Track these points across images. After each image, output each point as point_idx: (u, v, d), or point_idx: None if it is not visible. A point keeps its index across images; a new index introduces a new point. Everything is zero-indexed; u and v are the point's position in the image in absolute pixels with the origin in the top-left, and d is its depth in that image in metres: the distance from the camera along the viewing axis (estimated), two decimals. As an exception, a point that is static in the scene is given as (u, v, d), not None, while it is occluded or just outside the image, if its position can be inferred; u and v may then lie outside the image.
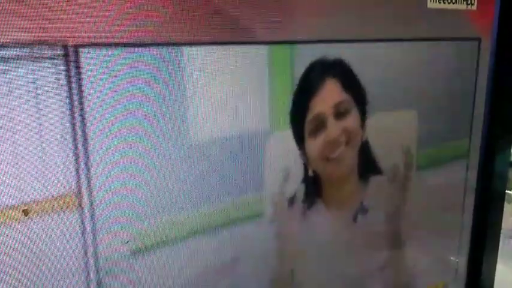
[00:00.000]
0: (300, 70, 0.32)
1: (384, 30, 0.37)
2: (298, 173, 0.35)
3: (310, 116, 0.34)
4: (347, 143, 0.37)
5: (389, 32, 0.37)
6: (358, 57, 0.36)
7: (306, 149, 0.34)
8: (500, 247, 0.71)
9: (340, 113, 0.36)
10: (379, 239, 0.42)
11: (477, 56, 0.45)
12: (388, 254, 0.43)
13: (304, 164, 0.35)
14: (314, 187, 0.36)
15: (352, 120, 0.37)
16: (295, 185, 0.34)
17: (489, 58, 0.46)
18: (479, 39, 0.44)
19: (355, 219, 0.39)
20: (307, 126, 0.34)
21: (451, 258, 0.51)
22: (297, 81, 0.32)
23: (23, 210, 0.23)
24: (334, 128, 0.35)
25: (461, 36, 0.43)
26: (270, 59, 0.31)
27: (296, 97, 0.33)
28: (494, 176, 0.50)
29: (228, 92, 0.29)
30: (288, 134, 0.33)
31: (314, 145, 0.35)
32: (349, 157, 0.37)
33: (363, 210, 0.40)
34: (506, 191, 0.90)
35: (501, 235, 0.71)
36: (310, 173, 0.35)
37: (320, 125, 0.35)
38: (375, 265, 0.43)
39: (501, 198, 0.53)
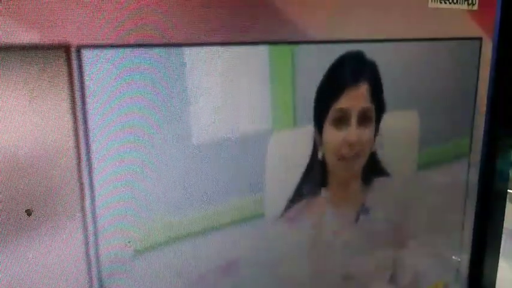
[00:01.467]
0: (300, 70, 0.32)
1: (385, 30, 0.37)
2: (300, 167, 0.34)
3: (338, 105, 0.34)
4: (360, 153, 0.37)
5: (391, 32, 0.37)
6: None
7: (323, 134, 0.34)
8: (502, 246, 0.71)
9: (363, 119, 0.36)
10: (380, 239, 0.42)
11: (478, 55, 0.45)
12: (389, 254, 0.44)
13: (313, 148, 0.34)
14: (320, 177, 0.36)
15: (370, 130, 0.37)
16: (300, 174, 0.34)
17: (490, 57, 0.46)
18: (480, 39, 0.44)
19: (357, 219, 0.40)
20: (333, 113, 0.34)
21: (453, 257, 0.51)
22: (297, 81, 0.32)
23: (26, 210, 0.23)
24: (355, 132, 0.35)
25: (463, 36, 0.43)
26: (271, 58, 0.31)
27: (329, 78, 0.33)
28: (496, 175, 0.50)
29: (230, 92, 0.30)
30: (289, 133, 0.33)
31: (333, 135, 0.35)
32: (358, 164, 0.38)
33: (365, 210, 0.40)
34: (509, 190, 0.90)
35: (504, 234, 0.71)
36: (320, 156, 0.35)
37: (344, 119, 0.35)
38: (376, 264, 0.43)
39: (503, 197, 0.52)
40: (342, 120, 0.35)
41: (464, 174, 0.48)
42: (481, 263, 0.53)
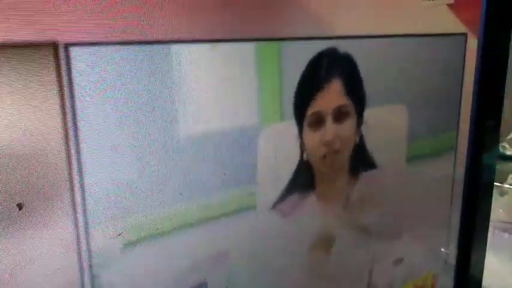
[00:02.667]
0: (288, 66, 0.33)
1: (372, 27, 0.38)
2: (291, 162, 0.35)
3: (310, 111, 0.35)
4: (340, 148, 0.38)
5: (378, 28, 0.38)
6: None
7: (303, 138, 0.35)
8: (491, 239, 0.72)
9: (339, 116, 0.37)
10: (367, 232, 0.43)
11: (463, 50, 0.46)
12: (377, 247, 0.44)
13: (300, 149, 0.35)
14: (308, 176, 0.36)
15: (349, 124, 0.37)
16: (290, 173, 0.35)
17: (476, 52, 0.47)
18: (465, 34, 0.45)
19: (342, 214, 0.40)
20: (308, 118, 0.35)
21: (441, 249, 0.52)
22: (284, 77, 0.33)
23: (17, 204, 0.24)
24: (331, 131, 0.36)
25: (448, 31, 0.44)
26: (258, 55, 0.31)
27: (301, 85, 0.34)
28: (483, 168, 0.51)
29: (218, 88, 0.30)
30: (277, 126, 0.34)
31: (311, 137, 0.36)
32: (342, 158, 0.38)
33: (350, 203, 0.41)
34: (500, 184, 0.91)
35: (492, 227, 0.73)
36: (305, 156, 0.35)
37: (319, 121, 0.36)
38: (366, 258, 0.44)
39: (489, 189, 0.53)
40: (317, 122, 0.36)
41: (451, 167, 0.49)
42: (468, 254, 0.54)
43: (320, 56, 0.34)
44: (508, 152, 1.07)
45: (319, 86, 0.35)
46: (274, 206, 0.35)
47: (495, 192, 0.86)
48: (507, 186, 0.87)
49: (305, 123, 0.35)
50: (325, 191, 0.38)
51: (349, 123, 0.38)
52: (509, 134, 1.06)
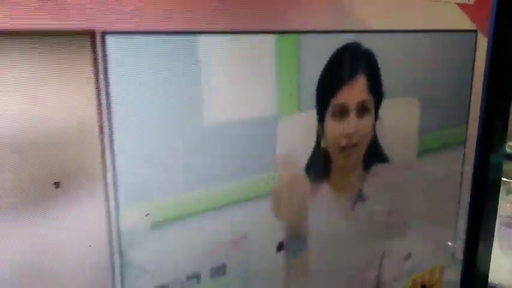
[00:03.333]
0: (306, 59, 0.34)
1: (384, 22, 0.39)
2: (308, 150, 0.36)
3: (335, 101, 0.36)
4: (359, 142, 0.39)
5: (389, 24, 0.39)
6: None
7: (324, 126, 0.37)
8: (499, 234, 0.73)
9: (361, 111, 0.38)
10: (377, 225, 0.44)
11: (474, 47, 0.47)
12: (386, 241, 0.46)
13: (317, 137, 0.36)
14: (323, 166, 0.38)
15: (368, 120, 0.39)
16: (305, 160, 0.36)
17: (486, 49, 0.48)
18: (475, 31, 0.46)
19: (353, 206, 0.42)
20: (332, 108, 0.36)
21: (448, 243, 0.53)
22: (302, 69, 0.34)
23: (54, 183, 0.25)
24: (353, 124, 0.38)
25: (459, 28, 0.45)
26: (278, 47, 0.33)
27: (325, 74, 0.35)
28: (490, 163, 0.52)
29: (241, 79, 0.32)
30: (295, 118, 0.35)
31: (333, 127, 0.37)
32: (359, 151, 0.40)
33: (362, 198, 0.42)
34: (503, 179, 0.92)
35: (499, 223, 0.74)
36: (323, 144, 0.37)
37: (343, 113, 0.37)
38: (374, 250, 0.45)
39: (497, 186, 0.54)
40: (341, 114, 0.37)
41: (460, 162, 0.50)
42: (475, 249, 0.55)
43: (344, 48, 0.36)
44: (514, 152, 1.07)
45: (345, 79, 0.36)
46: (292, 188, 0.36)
47: (502, 190, 0.87)
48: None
49: (328, 113, 0.36)
50: (338, 182, 0.39)
51: (368, 119, 0.39)
52: (515, 133, 1.07)
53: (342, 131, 0.38)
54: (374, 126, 0.40)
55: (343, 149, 0.38)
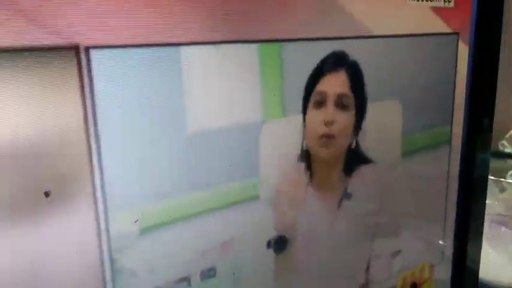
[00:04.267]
0: (287, 66, 0.35)
1: (364, 28, 0.40)
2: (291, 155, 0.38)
3: (315, 90, 0.38)
4: (338, 135, 0.40)
5: (370, 29, 0.40)
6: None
7: (306, 117, 0.38)
8: (488, 233, 0.74)
9: (340, 104, 0.39)
10: (364, 224, 0.45)
11: (456, 49, 0.48)
12: (374, 238, 0.46)
13: (302, 139, 0.38)
14: (306, 167, 0.39)
15: (348, 117, 0.40)
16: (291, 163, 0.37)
17: (468, 51, 0.49)
18: (457, 34, 0.48)
19: (339, 205, 0.43)
20: (313, 97, 0.38)
21: (438, 241, 0.54)
22: (286, 75, 0.36)
23: (44, 193, 0.26)
24: (331, 111, 0.39)
25: (440, 31, 0.46)
26: (260, 55, 0.34)
27: (311, 77, 0.37)
28: (477, 162, 0.53)
29: (223, 87, 0.33)
30: (279, 122, 0.36)
31: (313, 115, 0.38)
32: (338, 146, 0.41)
33: (347, 196, 0.43)
34: (502, 179, 0.93)
35: (489, 221, 0.75)
36: (304, 145, 0.38)
37: (323, 101, 0.39)
38: (362, 248, 0.46)
39: (484, 182, 0.55)
40: (321, 101, 0.38)
41: (446, 162, 0.51)
42: (465, 247, 0.56)
43: (333, 55, 0.38)
44: (507, 150, 1.09)
45: (325, 72, 0.38)
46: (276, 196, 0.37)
47: (495, 188, 0.88)
48: (507, 181, 0.89)
49: (310, 104, 0.38)
50: (322, 182, 0.40)
51: (349, 115, 0.40)
52: (508, 132, 1.09)
53: (322, 118, 0.39)
54: (356, 128, 0.41)
55: (321, 137, 0.39)
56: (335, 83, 0.39)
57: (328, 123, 0.39)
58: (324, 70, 0.38)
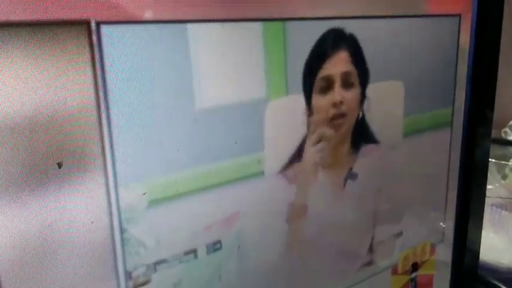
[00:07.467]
0: (292, 44, 0.36)
1: (367, 8, 0.41)
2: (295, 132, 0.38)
3: (320, 75, 0.38)
4: (347, 112, 0.41)
5: (373, 10, 0.41)
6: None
7: (312, 105, 0.39)
8: (491, 216, 0.75)
9: (346, 83, 0.40)
10: (368, 203, 0.46)
11: (458, 31, 0.49)
12: (377, 218, 0.47)
13: (306, 120, 0.38)
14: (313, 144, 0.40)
15: (354, 93, 0.41)
16: (294, 143, 0.38)
17: (469, 33, 0.50)
18: (459, 16, 0.48)
19: (344, 184, 0.43)
20: (317, 83, 0.38)
21: (439, 223, 0.55)
22: (289, 54, 0.36)
23: (57, 163, 0.27)
24: (339, 92, 0.40)
25: (443, 13, 0.47)
26: (265, 33, 0.35)
27: (310, 59, 0.37)
28: (478, 145, 0.54)
29: (230, 65, 0.33)
30: (283, 100, 0.37)
31: (320, 101, 0.39)
32: (347, 124, 0.42)
33: (352, 175, 0.44)
34: (502, 162, 0.94)
35: (490, 204, 0.75)
36: (312, 121, 0.39)
37: (329, 85, 0.39)
38: (365, 228, 0.47)
39: (485, 165, 0.56)
40: (327, 86, 0.39)
41: (448, 144, 0.52)
42: (465, 228, 0.57)
43: (326, 33, 0.38)
44: (510, 137, 1.09)
45: (327, 55, 0.38)
46: (280, 172, 0.38)
47: (497, 175, 0.89)
48: (509, 166, 0.90)
49: (314, 90, 0.38)
50: (328, 161, 0.41)
51: (354, 92, 0.41)
52: (511, 119, 1.09)
53: (330, 101, 0.39)
54: (361, 104, 0.42)
55: (331, 120, 0.40)
56: (339, 63, 0.39)
57: (337, 105, 0.40)
58: (326, 50, 0.38)
